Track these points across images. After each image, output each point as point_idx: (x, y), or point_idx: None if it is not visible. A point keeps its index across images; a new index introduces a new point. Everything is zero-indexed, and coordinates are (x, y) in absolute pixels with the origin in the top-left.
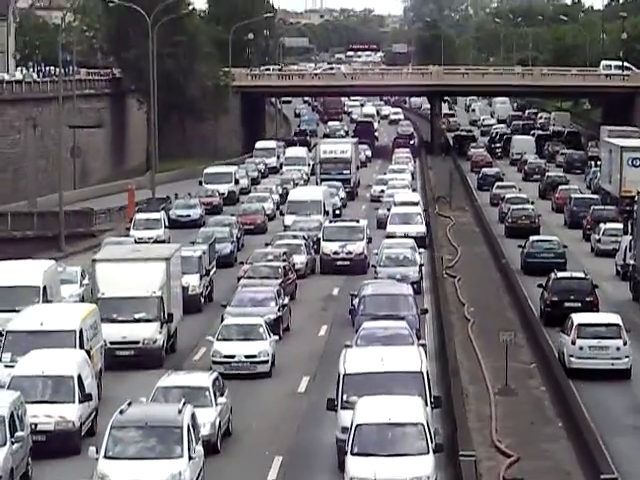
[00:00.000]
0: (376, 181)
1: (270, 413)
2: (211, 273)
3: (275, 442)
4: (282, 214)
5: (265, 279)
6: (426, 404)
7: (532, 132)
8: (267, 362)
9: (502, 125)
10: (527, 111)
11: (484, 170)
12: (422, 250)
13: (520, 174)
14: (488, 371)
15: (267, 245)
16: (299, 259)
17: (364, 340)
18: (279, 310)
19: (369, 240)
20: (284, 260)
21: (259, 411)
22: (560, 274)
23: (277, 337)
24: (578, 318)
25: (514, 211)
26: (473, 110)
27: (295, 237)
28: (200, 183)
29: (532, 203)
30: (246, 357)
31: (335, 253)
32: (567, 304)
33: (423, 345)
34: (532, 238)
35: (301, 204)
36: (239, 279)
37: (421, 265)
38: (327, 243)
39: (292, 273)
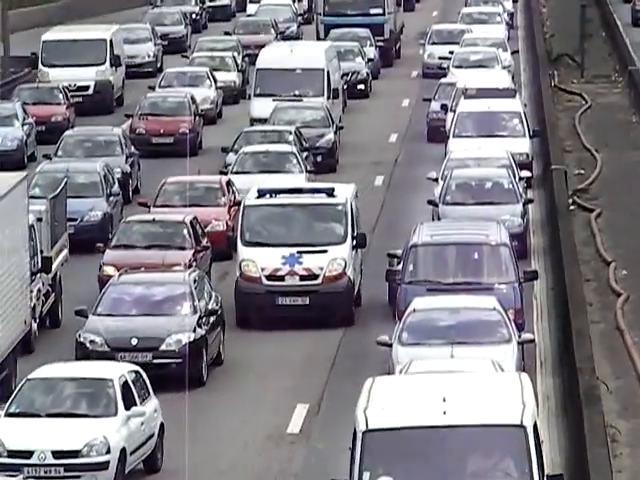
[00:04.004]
0: (434, 34)
1: None
2: (56, 263)
3: None
4: (244, 97)
5: (155, 250)
6: None
7: None
8: (105, 466)
9: None
10: None
11: None
12: (527, 174)
13: None
14: None
15: (227, 151)
16: (296, 180)
17: (414, 333)
18: (201, 323)
19: (359, 241)
20: (227, 191)
21: None
22: None
23: (144, 409)
24: None
25: None
26: None
27: (281, 136)
28: (33, 64)
29: None
30: (56, 456)
31: (272, 277)
32: None
33: (529, 342)
34: None
35: (283, 77)
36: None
37: (527, 201)
38: (251, 251)
39: (204, 236)
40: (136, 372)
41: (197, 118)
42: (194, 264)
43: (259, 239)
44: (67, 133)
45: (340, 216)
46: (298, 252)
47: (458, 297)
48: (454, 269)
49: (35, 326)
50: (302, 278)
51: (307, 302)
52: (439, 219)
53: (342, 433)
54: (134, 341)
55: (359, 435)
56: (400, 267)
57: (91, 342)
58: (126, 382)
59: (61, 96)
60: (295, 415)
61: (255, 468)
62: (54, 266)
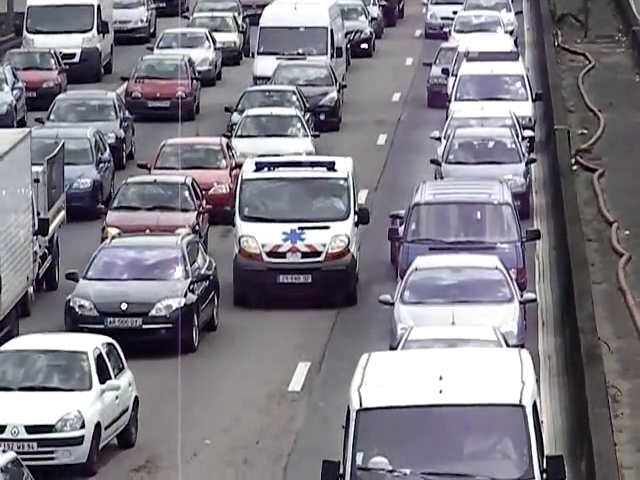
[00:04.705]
0: None
1: None
2: (53, 226)
3: None
4: (247, 54)
5: (158, 211)
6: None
7: None
8: (79, 441)
9: None
10: None
11: None
12: (530, 133)
13: None
14: None
15: (230, 110)
16: (302, 145)
17: (416, 292)
18: (192, 289)
19: (362, 217)
20: (227, 149)
21: None
22: None
23: (118, 383)
24: None
25: None
26: None
27: (283, 96)
28: (17, 30)
29: None
30: (30, 431)
31: (273, 254)
32: None
33: (531, 301)
34: None
35: (286, 35)
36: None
37: (530, 160)
38: (251, 226)
39: (203, 199)
40: (110, 344)
41: (194, 81)
42: (197, 227)
43: (259, 214)
44: (60, 97)
45: (342, 191)
46: (300, 228)
47: (460, 256)
48: (456, 228)
49: (31, 289)
50: (304, 255)
51: (309, 280)
52: (442, 178)
53: (344, 391)
54: (124, 306)
55: (353, 414)
56: (403, 228)
57: (80, 307)
58: (100, 355)
59: (53, 61)
60: (297, 373)
61: (257, 426)
62: (51, 228)
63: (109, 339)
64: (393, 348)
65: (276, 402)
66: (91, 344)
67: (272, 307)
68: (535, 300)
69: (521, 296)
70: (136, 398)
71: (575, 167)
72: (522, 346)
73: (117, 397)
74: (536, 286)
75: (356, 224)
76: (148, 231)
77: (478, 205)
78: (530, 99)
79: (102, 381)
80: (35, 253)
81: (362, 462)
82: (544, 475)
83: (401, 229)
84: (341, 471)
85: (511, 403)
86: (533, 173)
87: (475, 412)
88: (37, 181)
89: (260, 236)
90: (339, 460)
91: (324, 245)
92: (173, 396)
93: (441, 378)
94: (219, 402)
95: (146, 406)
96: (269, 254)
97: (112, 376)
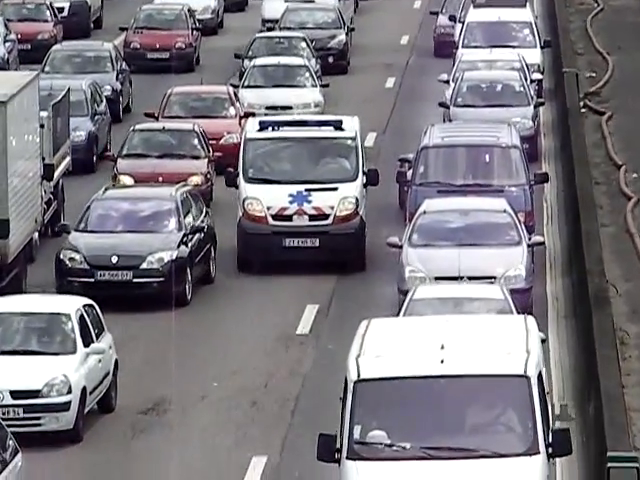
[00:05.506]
0: None
1: None
2: (59, 171)
3: None
4: None
5: (169, 159)
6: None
7: None
8: (66, 407)
9: None
10: None
11: None
12: (539, 76)
13: None
14: None
15: (241, 57)
16: (311, 96)
17: (424, 235)
18: (186, 241)
19: (370, 178)
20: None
21: None
22: None
23: (103, 346)
24: None
25: None
26: None
27: (291, 42)
28: None
29: None
30: (15, 396)
31: (279, 216)
32: None
33: (539, 244)
34: None
35: None
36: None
37: (538, 103)
38: (256, 188)
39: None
40: (90, 306)
41: (194, 31)
42: (208, 175)
43: (263, 175)
44: (55, 48)
45: (350, 151)
46: (307, 190)
47: (468, 199)
48: (465, 171)
49: (36, 235)
50: (311, 218)
51: (317, 244)
52: (450, 121)
53: (352, 334)
54: (114, 259)
55: (350, 385)
56: (411, 171)
57: (70, 259)
58: (82, 317)
59: (48, 13)
60: (304, 316)
61: (265, 369)
62: (56, 174)
63: (89, 300)
64: (401, 291)
65: (284, 345)
66: (73, 306)
67: (277, 271)
68: (543, 243)
69: (529, 239)
70: (116, 361)
71: (584, 110)
72: (530, 289)
73: (100, 360)
74: (544, 229)
75: (365, 185)
76: (161, 179)
77: (486, 148)
78: (538, 46)
79: (86, 344)
80: (40, 198)
81: (360, 435)
82: (550, 449)
83: (409, 172)
84: (338, 445)
85: (515, 374)
86: (541, 116)
87: (478, 383)
88: (42, 126)
89: (265, 198)
90: (336, 433)
91: (332, 207)
92: (175, 341)
93: (443, 347)
94: (226, 347)
95: (149, 352)
96: (275, 217)
97: (94, 339)
